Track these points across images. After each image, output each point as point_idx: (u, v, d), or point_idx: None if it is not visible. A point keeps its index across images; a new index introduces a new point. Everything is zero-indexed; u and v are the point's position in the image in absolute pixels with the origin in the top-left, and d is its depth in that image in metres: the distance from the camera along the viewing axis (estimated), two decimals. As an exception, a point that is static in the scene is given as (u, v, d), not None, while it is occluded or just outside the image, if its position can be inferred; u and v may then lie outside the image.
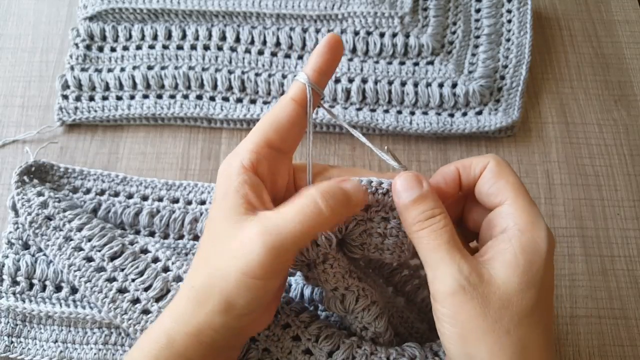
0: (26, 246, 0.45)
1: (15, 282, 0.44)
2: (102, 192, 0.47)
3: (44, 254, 0.44)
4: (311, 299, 0.42)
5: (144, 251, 0.43)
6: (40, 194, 0.44)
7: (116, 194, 0.47)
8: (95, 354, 0.43)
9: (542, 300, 0.29)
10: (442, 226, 0.30)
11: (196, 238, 0.46)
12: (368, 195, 0.31)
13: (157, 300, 0.40)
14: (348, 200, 0.30)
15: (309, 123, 0.33)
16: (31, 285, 0.44)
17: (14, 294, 0.44)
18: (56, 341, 0.43)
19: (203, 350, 0.31)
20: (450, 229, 0.30)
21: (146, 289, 0.41)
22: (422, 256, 0.30)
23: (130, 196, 0.47)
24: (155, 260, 0.43)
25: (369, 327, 0.35)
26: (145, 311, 0.40)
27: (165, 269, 0.42)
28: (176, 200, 0.47)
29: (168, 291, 0.41)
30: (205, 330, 0.30)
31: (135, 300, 0.41)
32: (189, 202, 0.47)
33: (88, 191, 0.47)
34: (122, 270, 0.41)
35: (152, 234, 0.47)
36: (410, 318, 0.40)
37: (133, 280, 0.41)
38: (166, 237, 0.46)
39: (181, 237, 0.46)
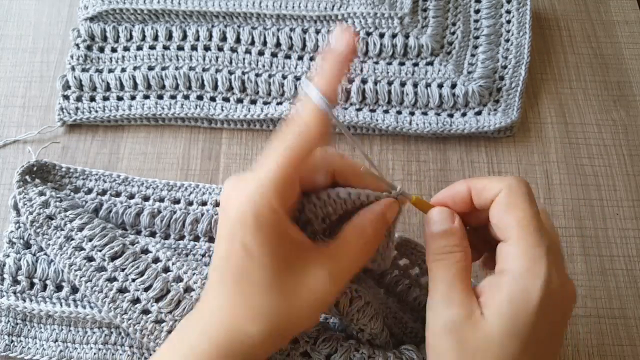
0: (27, 245, 0.45)
1: (16, 281, 0.44)
2: (103, 192, 0.47)
3: (45, 253, 0.44)
4: None
5: (145, 251, 0.43)
6: (41, 193, 0.44)
7: (118, 194, 0.47)
8: (95, 353, 0.43)
9: (530, 353, 0.28)
10: (456, 261, 0.31)
11: (197, 239, 0.46)
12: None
13: (157, 300, 0.40)
14: (386, 226, 0.33)
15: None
16: (32, 285, 0.44)
17: (14, 293, 0.44)
18: (56, 340, 0.43)
19: None
20: (462, 267, 0.31)
21: (146, 289, 0.41)
22: (431, 283, 0.32)
23: (131, 196, 0.47)
24: (156, 260, 0.43)
25: (365, 329, 0.35)
26: (145, 311, 0.40)
27: (166, 270, 0.42)
28: (177, 201, 0.48)
29: (168, 291, 0.41)
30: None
31: (135, 300, 0.41)
32: (190, 203, 0.47)
33: (90, 191, 0.47)
34: (123, 270, 0.41)
35: (153, 234, 0.47)
36: (404, 318, 0.41)
37: (133, 280, 0.41)
38: (167, 237, 0.47)
39: (182, 237, 0.46)
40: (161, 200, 0.47)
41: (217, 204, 0.47)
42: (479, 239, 0.34)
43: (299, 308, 0.30)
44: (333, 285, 0.30)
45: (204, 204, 0.47)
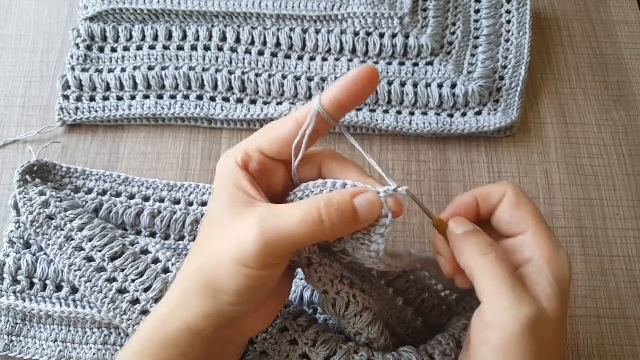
0: (27, 245, 0.45)
1: (16, 281, 0.44)
2: (104, 193, 0.47)
3: (45, 253, 0.44)
4: (310, 302, 0.42)
5: (145, 252, 0.43)
6: (42, 193, 0.44)
7: (118, 195, 0.47)
8: (94, 354, 0.43)
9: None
10: (505, 256, 0.31)
11: (197, 238, 0.46)
12: (381, 212, 0.30)
13: (157, 301, 0.40)
14: (355, 219, 0.30)
15: (302, 149, 0.32)
16: (32, 285, 0.44)
17: (14, 292, 0.44)
18: (56, 340, 0.43)
19: (192, 338, 0.31)
20: (509, 262, 0.31)
21: (146, 290, 0.41)
22: (482, 283, 0.30)
23: (132, 197, 0.47)
24: (156, 261, 0.43)
25: (362, 333, 0.35)
26: (145, 312, 0.40)
27: (166, 270, 0.42)
28: (178, 202, 0.48)
29: (168, 292, 0.41)
30: (194, 318, 0.31)
31: (135, 301, 0.41)
32: (191, 204, 0.47)
33: (90, 191, 0.47)
34: (123, 270, 0.41)
35: (153, 234, 0.47)
36: (407, 318, 0.40)
37: (133, 281, 0.41)
38: (167, 238, 0.47)
39: (182, 238, 0.47)
40: (161, 200, 0.47)
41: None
42: None
43: (222, 245, 0.30)
44: (257, 236, 0.28)
45: (204, 204, 0.47)
